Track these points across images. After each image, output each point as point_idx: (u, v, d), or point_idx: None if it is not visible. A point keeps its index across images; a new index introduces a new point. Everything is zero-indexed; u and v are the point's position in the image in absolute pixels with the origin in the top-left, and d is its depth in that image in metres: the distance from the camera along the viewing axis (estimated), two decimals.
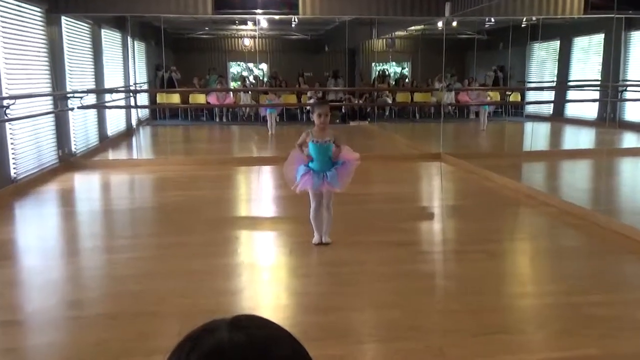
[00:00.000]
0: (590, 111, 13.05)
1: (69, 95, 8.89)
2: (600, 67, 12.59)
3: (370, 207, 6.40)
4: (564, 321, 3.37)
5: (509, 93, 14.93)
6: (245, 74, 19.49)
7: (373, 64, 19.39)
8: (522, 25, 12.89)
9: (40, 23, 8.07)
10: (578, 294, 3.76)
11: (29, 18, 7.75)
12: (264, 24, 14.15)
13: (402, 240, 4.98)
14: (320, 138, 4.54)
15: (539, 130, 13.20)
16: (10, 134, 7.06)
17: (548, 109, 15.11)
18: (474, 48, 13.63)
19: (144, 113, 15.87)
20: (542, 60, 15.72)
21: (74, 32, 9.59)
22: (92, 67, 10.69)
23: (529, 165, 9.15)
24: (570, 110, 14.49)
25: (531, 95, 14.64)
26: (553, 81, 15.06)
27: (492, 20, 13.84)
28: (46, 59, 8.17)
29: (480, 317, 3.40)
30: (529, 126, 12.64)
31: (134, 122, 13.78)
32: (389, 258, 4.48)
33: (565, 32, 14.15)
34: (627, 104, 11.11)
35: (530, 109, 14.64)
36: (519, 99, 15.21)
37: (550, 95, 14.60)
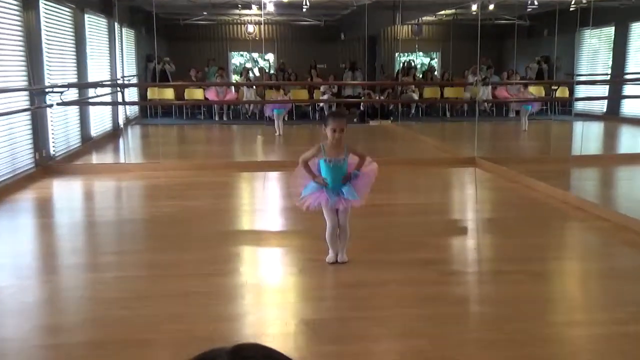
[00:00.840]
0: None
1: (47, 90, 8.97)
2: None
3: (393, 219, 6.39)
4: (621, 354, 3.34)
5: (555, 88, 14.88)
6: (249, 65, 19.58)
7: (396, 54, 19.40)
8: (571, 9, 12.84)
9: (16, 7, 8.16)
10: (636, 322, 3.72)
11: (2, 1, 7.84)
12: (270, 7, 14.25)
13: (430, 258, 4.97)
14: (333, 156, 4.48)
15: (591, 131, 13.11)
16: None
17: (601, 107, 15.03)
18: (514, 35, 13.59)
19: (133, 111, 16.00)
20: (594, 49, 15.66)
21: (53, 17, 9.70)
22: (74, 58, 10.79)
23: (579, 172, 9.09)
24: (628, 107, 14.39)
25: (581, 91, 14.54)
26: (607, 74, 14.98)
27: (536, 3, 13.81)
28: (22, 48, 8.26)
29: (522, 348, 3.38)
30: (578, 126, 12.56)
31: (121, 121, 13.89)
32: (415, 279, 4.47)
33: (621, 17, 14.08)
34: None
35: (580, 106, 14.55)
36: (566, 94, 15.16)
37: (603, 91, 14.52)
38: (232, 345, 0.80)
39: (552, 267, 5.01)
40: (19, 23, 8.21)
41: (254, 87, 16.40)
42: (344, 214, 4.60)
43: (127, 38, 14.92)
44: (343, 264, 4.66)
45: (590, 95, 14.16)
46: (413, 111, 17.45)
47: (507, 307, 3.97)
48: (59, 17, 9.99)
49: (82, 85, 11.00)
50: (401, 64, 18.94)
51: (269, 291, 4.38)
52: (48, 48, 9.28)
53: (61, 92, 9.19)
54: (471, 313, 4.03)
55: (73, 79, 10.61)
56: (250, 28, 18.98)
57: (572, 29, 12.87)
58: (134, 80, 15.50)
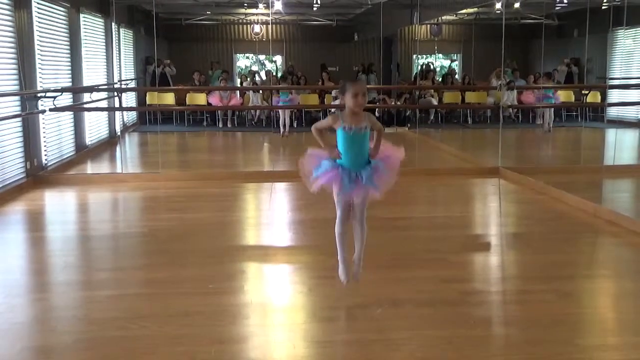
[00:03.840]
0: None
1: (39, 94, 9.03)
2: None
3: (410, 234, 6.37)
4: None
5: (586, 92, 14.81)
6: (255, 68, 19.66)
7: (414, 56, 19.43)
8: (603, 7, 12.82)
9: (7, 7, 8.24)
10: None
11: None
12: (278, 6, 14.31)
13: (450, 276, 4.95)
14: (353, 124, 4.14)
15: (625, 139, 13.05)
16: None
17: (636, 113, 14.94)
18: (542, 36, 13.55)
19: (131, 117, 16.09)
20: (629, 51, 15.58)
21: (47, 17, 9.79)
22: (69, 60, 10.88)
23: (612, 183, 9.03)
24: None
25: (614, 96, 14.49)
26: None
27: (565, 1, 13.79)
28: (13, 50, 8.33)
29: None
30: (611, 134, 12.51)
31: (118, 128, 13.96)
32: (433, 298, 4.46)
33: None
34: None
35: (612, 112, 14.48)
36: (598, 99, 15.07)
37: (638, 96, 14.44)
38: None
39: (583, 286, 4.98)
40: (9, 23, 8.30)
41: (260, 91, 16.45)
42: (361, 205, 4.25)
43: (125, 39, 15.03)
44: (357, 280, 4.44)
45: (624, 101, 14.10)
46: (432, 117, 17.44)
47: (534, 330, 3.94)
48: (52, 16, 10.09)
49: (77, 89, 11.07)
50: (419, 67, 18.95)
51: (275, 311, 4.38)
52: (41, 50, 9.36)
53: (54, 97, 9.23)
54: (495, 336, 4.01)
55: (67, 82, 10.69)
56: (257, 28, 19.08)
57: (605, 29, 12.82)
58: (132, 84, 15.58)
